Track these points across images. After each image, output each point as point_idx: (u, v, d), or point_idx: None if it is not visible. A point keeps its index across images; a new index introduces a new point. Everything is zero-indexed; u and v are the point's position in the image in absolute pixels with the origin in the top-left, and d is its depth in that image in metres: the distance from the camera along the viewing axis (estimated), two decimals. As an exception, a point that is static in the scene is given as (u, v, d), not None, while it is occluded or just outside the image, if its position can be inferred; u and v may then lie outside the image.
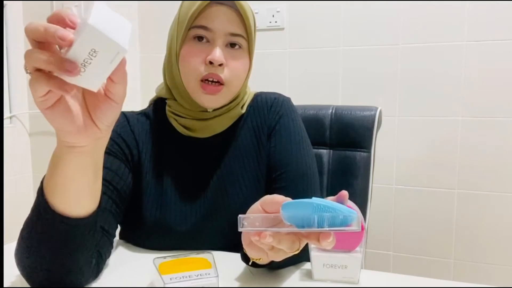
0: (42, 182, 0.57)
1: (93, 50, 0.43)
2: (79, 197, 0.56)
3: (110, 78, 0.48)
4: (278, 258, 0.56)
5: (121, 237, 0.86)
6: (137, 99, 1.95)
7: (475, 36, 1.52)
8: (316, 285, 0.64)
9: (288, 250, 0.52)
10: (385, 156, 1.63)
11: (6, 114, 1.81)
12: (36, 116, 1.89)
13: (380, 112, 1.14)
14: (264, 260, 0.62)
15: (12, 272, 0.67)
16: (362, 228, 0.63)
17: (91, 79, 0.45)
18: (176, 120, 0.83)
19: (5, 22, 1.79)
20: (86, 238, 0.59)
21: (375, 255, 1.69)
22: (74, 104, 0.50)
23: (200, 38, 0.77)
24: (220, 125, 0.83)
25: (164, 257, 0.61)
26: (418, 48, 1.59)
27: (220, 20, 0.76)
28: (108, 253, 0.72)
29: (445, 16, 1.55)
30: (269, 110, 0.86)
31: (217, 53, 0.75)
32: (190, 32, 0.77)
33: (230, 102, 0.83)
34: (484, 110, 1.54)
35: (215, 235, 0.80)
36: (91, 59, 0.43)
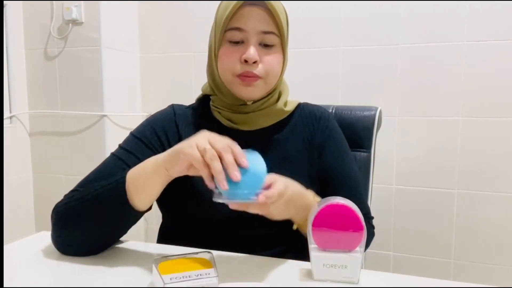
0: (124, 177, 0.72)
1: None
2: (151, 200, 0.75)
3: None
4: (276, 213, 0.72)
5: (160, 240, 0.91)
6: (137, 99, 1.95)
7: (475, 36, 1.52)
8: (316, 285, 0.64)
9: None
10: (385, 156, 1.63)
11: (6, 114, 1.81)
12: (36, 116, 1.89)
13: (380, 112, 1.14)
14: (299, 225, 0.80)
15: (12, 271, 0.67)
16: (362, 228, 0.63)
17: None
18: (219, 113, 0.88)
19: (5, 22, 1.79)
20: (136, 221, 0.76)
21: (375, 255, 1.69)
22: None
23: (235, 39, 0.82)
24: (263, 120, 0.88)
25: (164, 257, 0.62)
26: (418, 48, 1.59)
27: (253, 20, 0.80)
28: None
29: (445, 16, 1.55)
30: (317, 123, 0.92)
31: (251, 52, 0.80)
32: (226, 34, 0.82)
33: (267, 95, 0.87)
34: (484, 110, 1.54)
35: (256, 226, 0.80)
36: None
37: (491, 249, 1.57)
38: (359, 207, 0.69)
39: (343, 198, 0.66)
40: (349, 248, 0.64)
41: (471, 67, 1.54)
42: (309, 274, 0.67)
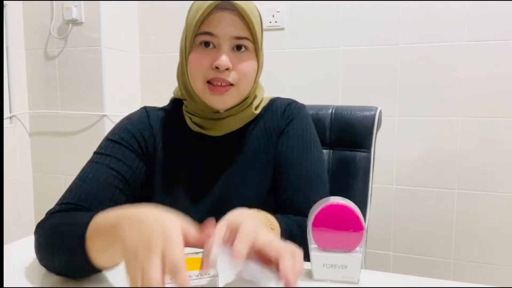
0: (87, 225, 0.58)
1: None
2: (114, 263, 0.59)
3: None
4: None
5: None
6: (137, 99, 1.95)
7: (475, 36, 1.52)
8: (316, 285, 0.64)
9: None
10: (385, 156, 1.63)
11: (6, 114, 1.81)
12: (36, 116, 1.89)
13: (380, 112, 1.14)
14: None
15: (12, 271, 0.67)
16: (362, 228, 0.63)
17: None
18: (190, 119, 0.86)
19: (5, 22, 1.79)
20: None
21: (375, 255, 1.69)
22: None
23: (206, 44, 0.79)
24: (232, 125, 0.86)
25: (164, 257, 0.61)
26: (418, 48, 1.59)
27: (224, 25, 0.77)
28: None
29: (445, 16, 1.55)
30: (282, 114, 0.89)
31: (223, 59, 0.77)
32: (197, 39, 0.79)
33: (241, 102, 0.85)
34: (484, 110, 1.54)
35: None
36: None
37: (491, 249, 1.57)
38: (307, 204, 0.67)
39: (343, 198, 0.66)
40: (349, 248, 0.63)
41: (471, 67, 1.54)
42: (309, 274, 0.67)
